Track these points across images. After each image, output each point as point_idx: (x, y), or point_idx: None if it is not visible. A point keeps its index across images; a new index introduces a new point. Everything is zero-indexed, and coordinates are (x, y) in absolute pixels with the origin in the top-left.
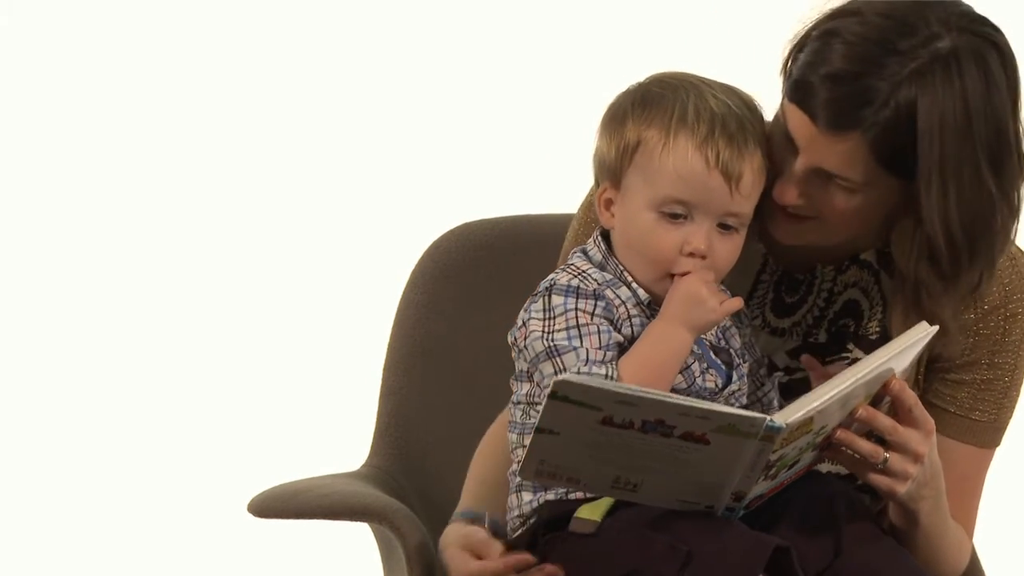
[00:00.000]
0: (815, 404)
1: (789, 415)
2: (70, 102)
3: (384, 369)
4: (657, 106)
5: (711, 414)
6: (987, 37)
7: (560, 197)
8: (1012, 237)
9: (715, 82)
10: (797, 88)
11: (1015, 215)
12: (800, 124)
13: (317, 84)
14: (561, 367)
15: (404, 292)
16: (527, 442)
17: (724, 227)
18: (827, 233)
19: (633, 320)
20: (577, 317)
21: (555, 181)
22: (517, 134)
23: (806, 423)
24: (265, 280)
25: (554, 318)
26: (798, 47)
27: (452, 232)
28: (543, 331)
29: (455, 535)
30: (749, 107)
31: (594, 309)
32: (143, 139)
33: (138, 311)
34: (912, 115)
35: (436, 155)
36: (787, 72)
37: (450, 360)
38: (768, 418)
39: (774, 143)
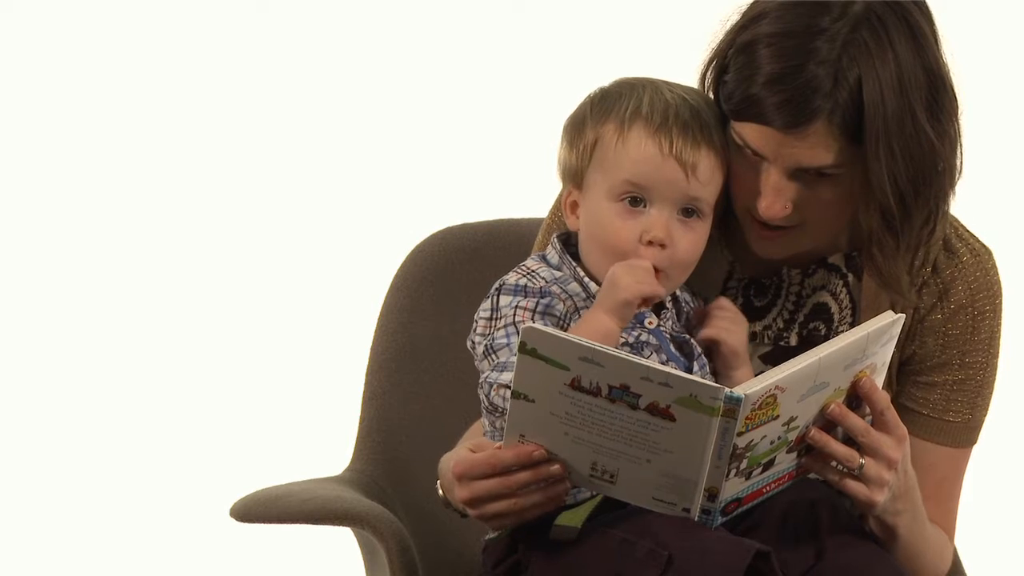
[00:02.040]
0: (775, 378)
1: (748, 387)
2: (64, 102)
3: (367, 373)
4: (613, 103)
5: (672, 379)
6: None
7: (541, 201)
8: (959, 170)
9: (675, 83)
10: (742, 106)
11: (955, 149)
12: (761, 136)
13: (299, 91)
14: (496, 363)
15: (386, 296)
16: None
17: (686, 214)
18: (809, 237)
19: (583, 315)
20: (515, 314)
21: (535, 185)
22: (498, 139)
23: (771, 405)
24: (248, 284)
25: (499, 318)
26: (718, 72)
27: (434, 236)
28: (486, 331)
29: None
30: (706, 101)
31: (536, 307)
32: (124, 144)
33: (122, 315)
34: (859, 86)
35: (417, 160)
36: (715, 96)
37: (432, 364)
38: (728, 388)
39: (739, 171)
